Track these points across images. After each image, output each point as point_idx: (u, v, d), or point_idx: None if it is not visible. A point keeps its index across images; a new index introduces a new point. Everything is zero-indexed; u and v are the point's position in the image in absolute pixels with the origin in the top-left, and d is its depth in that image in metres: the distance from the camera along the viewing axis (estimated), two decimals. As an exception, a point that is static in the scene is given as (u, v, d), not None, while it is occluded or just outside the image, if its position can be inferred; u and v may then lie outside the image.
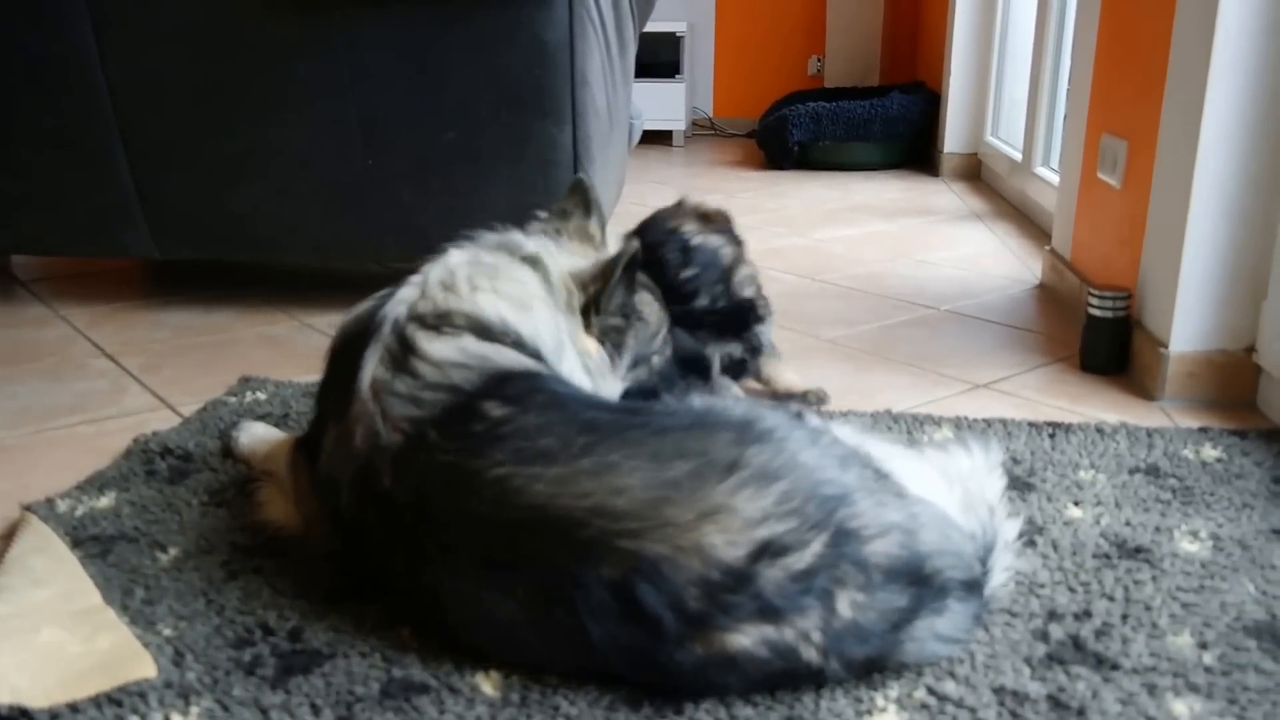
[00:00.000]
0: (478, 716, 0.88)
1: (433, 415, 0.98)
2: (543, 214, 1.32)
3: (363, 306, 1.13)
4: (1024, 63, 3.34)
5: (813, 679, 0.88)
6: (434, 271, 1.13)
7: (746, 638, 0.84)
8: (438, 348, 1.03)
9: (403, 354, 1.03)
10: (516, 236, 1.23)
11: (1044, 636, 0.98)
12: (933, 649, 0.91)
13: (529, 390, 1.00)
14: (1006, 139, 3.63)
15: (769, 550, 0.85)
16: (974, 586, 0.94)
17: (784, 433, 0.93)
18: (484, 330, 1.06)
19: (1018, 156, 3.26)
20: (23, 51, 1.95)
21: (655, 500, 0.87)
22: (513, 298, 1.11)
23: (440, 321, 1.06)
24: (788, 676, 0.87)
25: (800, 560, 0.85)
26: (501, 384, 1.00)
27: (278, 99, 1.97)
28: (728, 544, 0.85)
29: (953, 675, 0.92)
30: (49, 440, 1.51)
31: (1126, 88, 1.92)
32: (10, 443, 1.50)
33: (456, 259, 1.15)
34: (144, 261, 2.54)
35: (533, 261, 1.18)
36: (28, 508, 1.24)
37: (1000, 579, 1.00)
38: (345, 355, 1.07)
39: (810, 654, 0.86)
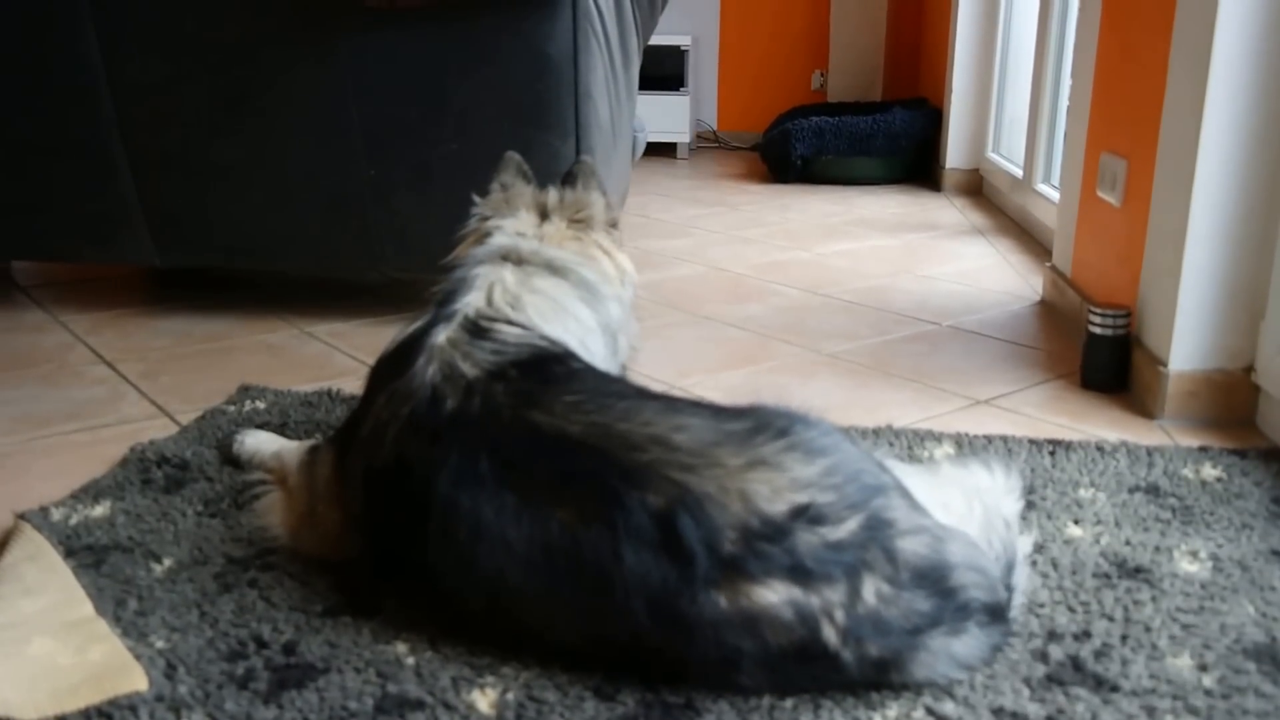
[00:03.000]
0: (471, 733, 0.87)
1: (516, 359, 1.04)
2: (480, 199, 1.37)
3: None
4: (1025, 80, 3.34)
5: (827, 666, 0.87)
6: (495, 291, 1.17)
7: (774, 594, 0.84)
8: (514, 332, 1.10)
9: (478, 331, 1.09)
10: (529, 244, 1.27)
11: (1043, 657, 0.97)
12: (944, 670, 0.90)
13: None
14: (1008, 155, 3.64)
15: (807, 514, 0.86)
16: (997, 613, 0.93)
17: (829, 427, 0.96)
18: (553, 345, 1.12)
19: (1019, 173, 3.27)
20: (27, 58, 1.95)
21: (711, 442, 0.91)
22: (575, 335, 1.18)
23: (513, 326, 1.12)
24: (803, 656, 0.86)
25: (835, 532, 0.86)
26: (575, 356, 1.10)
27: (280, 108, 1.97)
28: (771, 496, 0.87)
29: (951, 695, 0.91)
30: (45, 447, 1.51)
31: (1126, 107, 1.93)
32: (6, 449, 1.50)
33: (511, 280, 1.19)
34: (144, 268, 2.54)
35: (562, 271, 1.24)
36: (22, 516, 1.23)
37: (1019, 600, 1.00)
38: (405, 345, 1.10)
39: (830, 634, 0.85)
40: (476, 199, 1.36)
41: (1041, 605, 1.06)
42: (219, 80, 1.96)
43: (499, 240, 1.27)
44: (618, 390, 1.02)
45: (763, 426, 0.92)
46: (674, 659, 0.89)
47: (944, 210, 3.58)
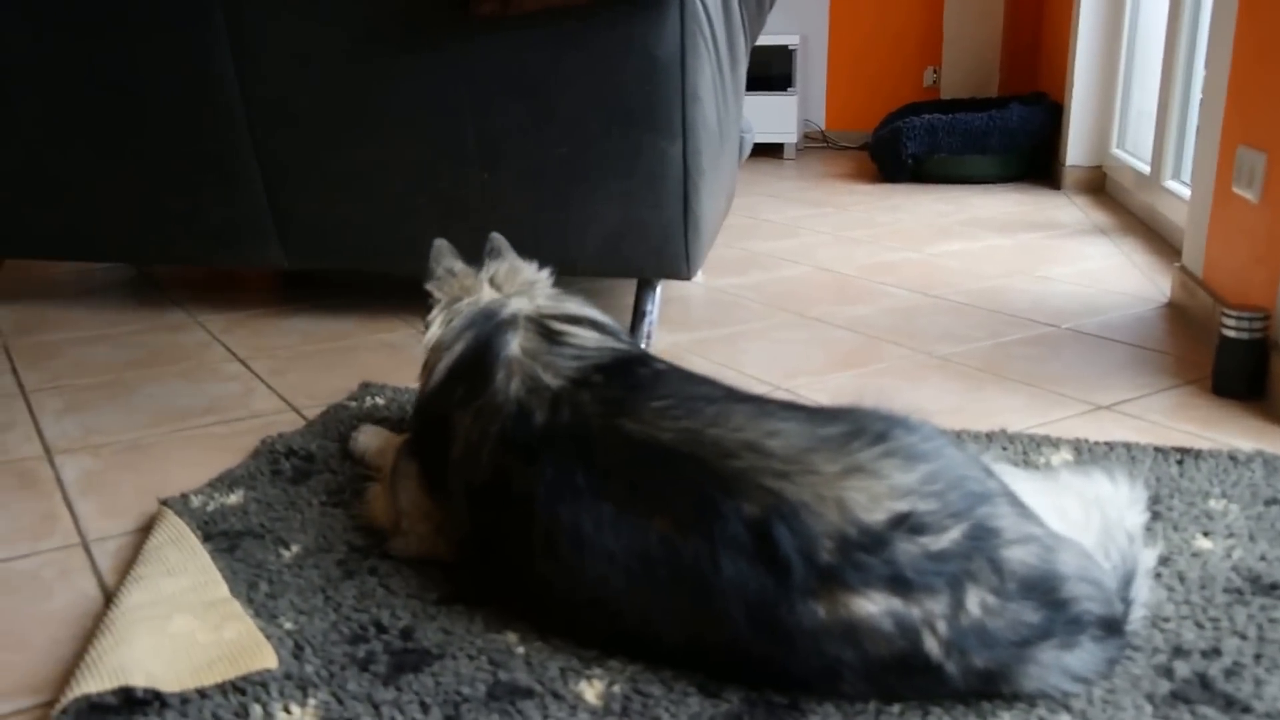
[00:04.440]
0: (578, 723, 0.89)
1: (599, 363, 1.04)
2: (433, 287, 1.29)
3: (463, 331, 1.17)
4: (1153, 72, 3.18)
5: (930, 678, 0.85)
6: (537, 296, 1.18)
7: (874, 604, 0.83)
8: (592, 337, 1.10)
9: (549, 335, 1.09)
10: (534, 289, 1.26)
11: (1168, 673, 0.93)
12: (1055, 682, 0.87)
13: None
14: (1134, 151, 3.47)
15: (907, 523, 0.84)
16: (1112, 626, 0.90)
17: (931, 431, 0.93)
18: (632, 346, 1.12)
19: (1146, 169, 3.11)
20: (168, 75, 2.09)
21: (806, 449, 0.89)
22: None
23: (574, 323, 1.12)
24: (905, 667, 0.84)
25: (937, 542, 0.84)
26: (657, 357, 1.08)
27: (399, 119, 2.05)
28: (869, 504, 0.85)
29: (1068, 709, 0.88)
30: (185, 439, 1.61)
31: (1265, 97, 1.81)
32: (150, 441, 1.61)
33: (547, 293, 1.22)
34: (273, 271, 2.68)
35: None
36: (164, 502, 1.33)
37: (1139, 614, 0.96)
38: (472, 357, 1.10)
39: (932, 645, 0.83)
40: (430, 289, 1.29)
41: (1167, 620, 1.01)
42: (341, 94, 2.06)
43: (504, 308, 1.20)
44: (705, 394, 1.00)
45: (859, 431, 0.90)
46: (775, 667, 0.88)
47: (1064, 209, 3.44)
